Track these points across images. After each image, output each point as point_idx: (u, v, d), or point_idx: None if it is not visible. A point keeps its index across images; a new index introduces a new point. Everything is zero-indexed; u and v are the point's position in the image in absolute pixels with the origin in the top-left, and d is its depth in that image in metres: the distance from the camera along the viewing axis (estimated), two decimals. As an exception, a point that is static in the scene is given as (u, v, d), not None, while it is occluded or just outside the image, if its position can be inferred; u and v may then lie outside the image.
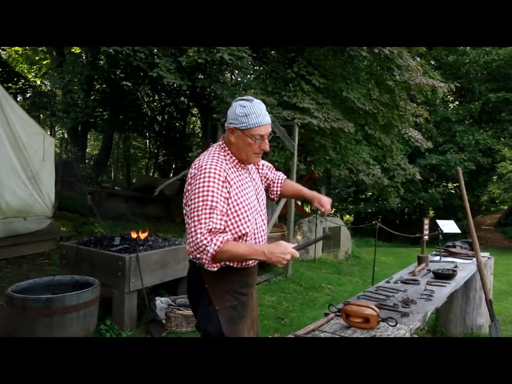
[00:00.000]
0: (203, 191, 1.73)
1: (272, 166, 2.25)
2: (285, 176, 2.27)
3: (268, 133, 1.88)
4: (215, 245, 1.66)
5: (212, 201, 1.72)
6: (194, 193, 1.75)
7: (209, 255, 1.66)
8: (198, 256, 1.70)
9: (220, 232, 1.72)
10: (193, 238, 1.70)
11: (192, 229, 1.72)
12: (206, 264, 1.71)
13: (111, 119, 13.20)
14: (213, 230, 1.69)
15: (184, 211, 1.89)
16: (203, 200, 1.72)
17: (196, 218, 1.72)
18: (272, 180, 2.22)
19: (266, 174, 2.19)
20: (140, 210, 9.65)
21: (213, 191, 1.74)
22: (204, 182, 1.75)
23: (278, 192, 2.23)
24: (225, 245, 1.67)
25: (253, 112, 1.82)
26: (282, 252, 1.66)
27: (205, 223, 1.69)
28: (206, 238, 1.67)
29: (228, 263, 1.83)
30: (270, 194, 2.24)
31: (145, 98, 15.10)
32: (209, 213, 1.71)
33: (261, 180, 2.14)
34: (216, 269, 1.76)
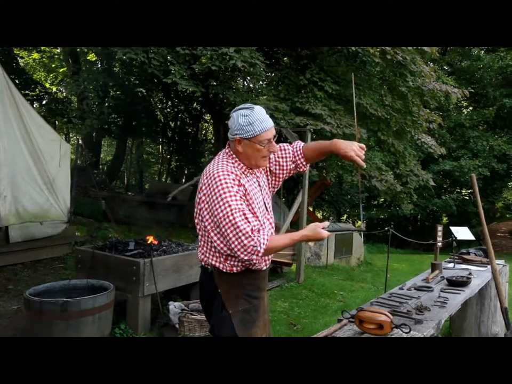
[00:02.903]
0: (225, 197, 1.77)
1: (280, 147, 2.10)
2: (301, 144, 2.14)
3: (273, 135, 1.91)
4: (263, 243, 1.75)
5: (237, 204, 1.77)
6: (217, 202, 1.78)
7: (260, 254, 1.76)
8: (246, 258, 1.76)
9: (260, 228, 1.79)
10: (237, 242, 1.75)
11: (231, 235, 1.75)
12: (256, 263, 1.85)
13: (125, 125, 13.37)
14: (253, 228, 1.75)
15: (196, 220, 1.93)
16: (229, 205, 1.76)
17: (230, 224, 1.75)
18: (291, 157, 2.11)
19: (278, 161, 2.10)
20: (153, 215, 9.71)
21: (235, 195, 1.78)
22: (222, 188, 1.78)
23: (303, 162, 2.11)
24: (269, 242, 1.76)
25: (256, 119, 1.85)
26: (317, 237, 1.86)
27: (247, 225, 1.74)
28: (252, 239, 1.74)
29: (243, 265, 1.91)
30: (299, 169, 2.13)
31: (158, 104, 15.27)
32: (243, 214, 1.76)
33: (277, 175, 2.11)
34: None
